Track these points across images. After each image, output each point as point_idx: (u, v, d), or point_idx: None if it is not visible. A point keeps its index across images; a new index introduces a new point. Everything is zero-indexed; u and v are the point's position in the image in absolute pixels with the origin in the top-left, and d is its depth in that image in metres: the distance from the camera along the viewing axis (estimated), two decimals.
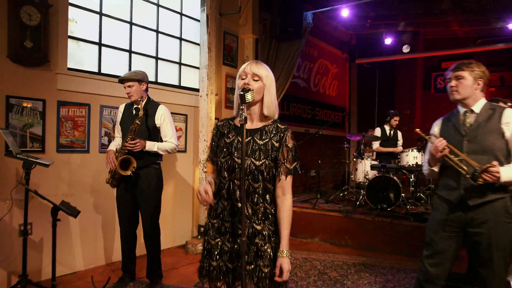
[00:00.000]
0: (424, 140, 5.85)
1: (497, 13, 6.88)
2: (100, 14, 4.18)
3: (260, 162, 1.86)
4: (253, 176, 1.85)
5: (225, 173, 1.89)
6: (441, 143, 2.48)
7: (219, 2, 5.30)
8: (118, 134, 3.69)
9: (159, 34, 4.86)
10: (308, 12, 5.77)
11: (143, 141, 3.42)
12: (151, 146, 3.48)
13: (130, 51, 4.51)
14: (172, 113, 3.85)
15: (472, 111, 2.57)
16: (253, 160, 1.86)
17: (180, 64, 5.20)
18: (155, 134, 3.58)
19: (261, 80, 1.91)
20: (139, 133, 3.42)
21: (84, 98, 3.98)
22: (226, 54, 5.63)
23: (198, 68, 5.32)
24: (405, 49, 8.15)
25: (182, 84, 5.22)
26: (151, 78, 4.78)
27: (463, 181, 2.47)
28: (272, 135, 1.92)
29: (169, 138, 3.60)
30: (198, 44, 5.26)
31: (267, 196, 1.90)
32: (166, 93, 4.78)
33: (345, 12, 6.16)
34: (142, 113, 3.37)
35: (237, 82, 1.97)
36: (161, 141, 3.61)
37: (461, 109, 2.62)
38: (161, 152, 3.55)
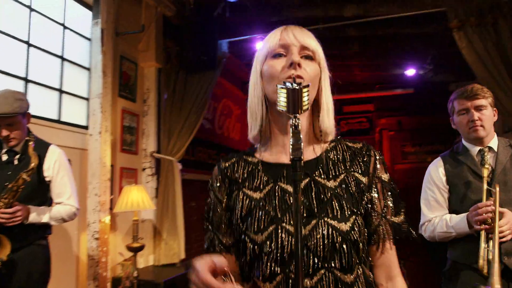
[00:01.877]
0: None
1: (395, 60, 7.10)
2: None
3: (349, 224, 0.90)
4: (342, 257, 0.89)
5: (273, 265, 0.88)
6: (486, 208, 1.81)
7: (116, 18, 4.18)
8: None
9: (31, 48, 3.49)
10: (223, 40, 5.00)
11: (26, 207, 2.13)
12: (38, 215, 2.19)
13: None
14: None
15: (490, 149, 2.00)
16: (331, 222, 0.89)
17: (60, 91, 3.83)
18: (40, 192, 2.29)
19: (315, 59, 1.00)
20: (10, 191, 2.10)
21: None
22: (122, 84, 4.44)
23: (86, 99, 4.02)
24: None
25: (62, 119, 3.82)
26: None
27: (503, 245, 1.83)
28: (349, 163, 0.99)
29: (67, 199, 2.36)
30: (87, 69, 4.01)
31: None
32: (40, 130, 3.33)
33: (259, 45, 5.54)
34: (36, 163, 2.13)
35: (257, 67, 1.06)
36: (49, 203, 2.30)
37: (473, 147, 2.03)
38: (53, 223, 2.29)
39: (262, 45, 1.03)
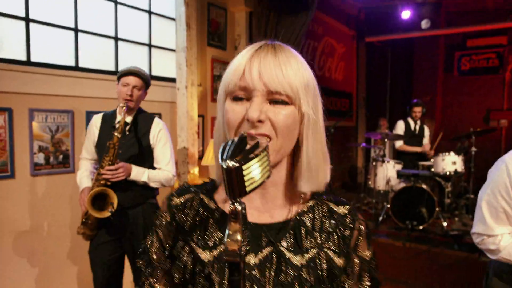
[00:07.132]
0: (465, 140, 4.67)
1: None
2: None
3: None
4: None
5: None
6: None
7: None
8: (88, 155, 2.61)
9: (119, 6, 3.56)
10: None
11: (127, 165, 2.37)
12: (138, 173, 2.44)
13: (76, 30, 3.22)
14: None
15: None
16: None
17: (150, 46, 3.92)
18: (148, 157, 2.58)
19: (292, 102, 0.71)
20: (127, 153, 2.45)
21: (2, 99, 2.72)
22: (211, 32, 4.36)
23: (174, 51, 4.05)
24: (424, 24, 6.87)
25: (153, 73, 3.95)
26: (110, 65, 3.53)
27: None
28: (325, 234, 0.76)
29: (165, 165, 2.59)
30: (174, 20, 3.98)
31: None
32: None
33: None
34: (122, 125, 2.32)
35: (220, 102, 0.76)
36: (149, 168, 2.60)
37: None
38: (152, 184, 2.53)
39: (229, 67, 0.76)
